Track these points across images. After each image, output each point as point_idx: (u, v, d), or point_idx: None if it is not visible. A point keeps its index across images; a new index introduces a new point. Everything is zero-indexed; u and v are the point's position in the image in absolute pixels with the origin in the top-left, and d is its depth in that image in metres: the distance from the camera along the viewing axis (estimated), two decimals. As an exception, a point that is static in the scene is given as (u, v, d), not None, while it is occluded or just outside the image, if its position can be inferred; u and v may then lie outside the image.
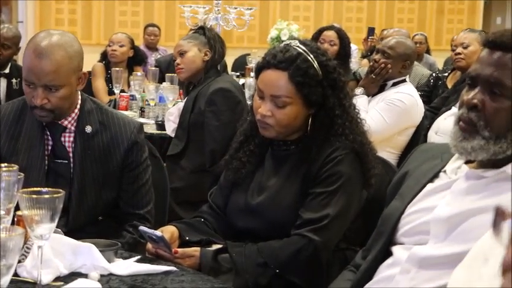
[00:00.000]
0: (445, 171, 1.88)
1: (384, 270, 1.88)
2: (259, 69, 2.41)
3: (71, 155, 2.51)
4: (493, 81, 1.71)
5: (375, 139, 3.82)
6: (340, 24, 8.89)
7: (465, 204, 1.76)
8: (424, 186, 1.89)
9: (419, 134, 4.23)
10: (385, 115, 4.02)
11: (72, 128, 2.51)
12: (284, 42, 2.46)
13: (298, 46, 2.37)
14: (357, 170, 2.37)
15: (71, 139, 2.51)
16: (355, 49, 8.67)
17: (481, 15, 13.53)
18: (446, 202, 1.80)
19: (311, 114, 2.39)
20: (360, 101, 4.12)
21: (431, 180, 1.89)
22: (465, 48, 5.05)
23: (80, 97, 2.53)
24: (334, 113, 2.37)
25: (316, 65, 2.34)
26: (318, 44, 5.53)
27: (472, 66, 1.80)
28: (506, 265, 0.82)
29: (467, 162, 1.84)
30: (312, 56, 2.35)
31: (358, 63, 7.54)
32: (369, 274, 1.92)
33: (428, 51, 8.93)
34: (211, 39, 4.24)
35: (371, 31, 7.86)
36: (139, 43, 8.51)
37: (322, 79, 2.35)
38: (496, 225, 0.85)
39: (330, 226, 2.29)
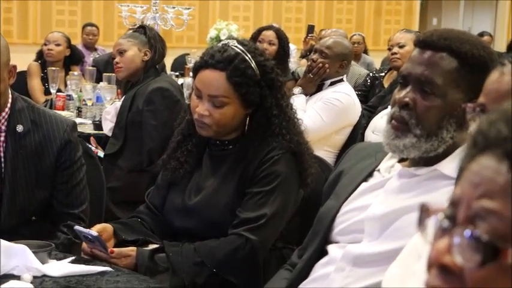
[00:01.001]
0: (378, 170, 1.90)
1: (320, 269, 1.89)
2: (197, 69, 2.40)
3: (2, 154, 2.46)
4: (424, 79, 1.74)
5: (312, 138, 3.86)
6: (280, 24, 8.93)
7: (398, 202, 1.78)
8: (359, 185, 1.91)
9: (357, 132, 4.27)
10: (323, 114, 4.05)
11: (3, 127, 2.46)
12: (222, 42, 2.45)
13: (236, 46, 2.37)
14: (294, 170, 2.38)
15: (2, 139, 2.46)
16: (294, 49, 8.72)
17: (417, 16, 13.77)
18: (380, 200, 1.82)
19: (248, 114, 2.40)
20: (298, 100, 4.15)
21: (365, 179, 1.91)
22: (401, 48, 5.12)
23: (10, 96, 2.49)
24: (271, 113, 2.38)
25: (254, 65, 2.35)
26: (257, 43, 5.58)
27: (403, 66, 1.83)
28: (430, 261, 0.83)
29: (400, 161, 1.87)
30: (249, 56, 2.36)
31: (297, 63, 7.58)
32: (305, 273, 1.93)
33: (366, 51, 9.03)
34: (151, 39, 4.22)
35: (310, 29, 7.91)
36: (78, 42, 8.41)
37: (260, 79, 2.36)
38: (421, 222, 0.87)
39: (267, 225, 2.30)
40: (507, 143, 0.79)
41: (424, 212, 0.87)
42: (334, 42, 4.26)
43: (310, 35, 7.69)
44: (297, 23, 12.70)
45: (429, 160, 1.78)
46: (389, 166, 1.89)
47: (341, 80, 4.24)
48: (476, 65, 1.74)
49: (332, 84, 4.21)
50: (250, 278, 2.30)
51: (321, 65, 4.14)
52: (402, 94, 1.77)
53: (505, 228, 0.77)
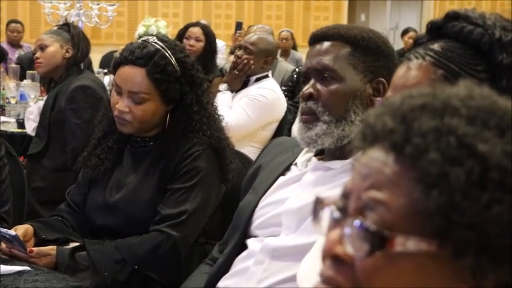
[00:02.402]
0: (295, 164, 1.94)
1: (239, 263, 1.91)
2: (117, 65, 2.40)
3: None
4: (321, 68, 1.82)
5: (238, 134, 3.90)
6: (209, 20, 8.94)
7: (314, 195, 1.81)
8: (277, 179, 1.94)
9: (283, 128, 4.31)
10: (248, 110, 4.08)
11: None
12: (142, 39, 2.46)
13: (156, 42, 2.38)
14: (215, 166, 2.40)
15: None
16: (223, 45, 8.73)
17: (345, 12, 13.95)
18: (296, 194, 1.85)
19: (169, 111, 2.41)
20: (224, 97, 4.17)
21: (283, 173, 1.94)
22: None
23: None
24: (192, 109, 2.39)
25: (174, 61, 2.36)
26: (184, 40, 5.57)
27: (303, 66, 1.91)
28: (324, 252, 0.86)
29: (316, 155, 1.91)
30: (169, 52, 2.37)
31: (226, 59, 7.59)
32: (226, 267, 1.94)
33: (295, 47, 9.10)
34: (75, 37, 4.18)
35: (239, 25, 7.94)
36: (3, 40, 8.25)
37: (180, 76, 2.37)
38: (316, 214, 0.89)
39: (189, 221, 2.31)
40: (393, 136, 0.82)
41: (318, 204, 0.90)
42: (259, 39, 4.29)
43: (238, 31, 7.71)
44: (226, 19, 12.72)
45: (344, 154, 1.82)
46: (306, 160, 1.92)
47: (266, 76, 4.27)
48: (368, 46, 1.83)
49: (257, 80, 4.24)
50: (173, 274, 2.30)
51: (245, 61, 4.16)
52: (305, 88, 1.84)
53: (392, 218, 0.80)
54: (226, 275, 1.93)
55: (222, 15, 12.87)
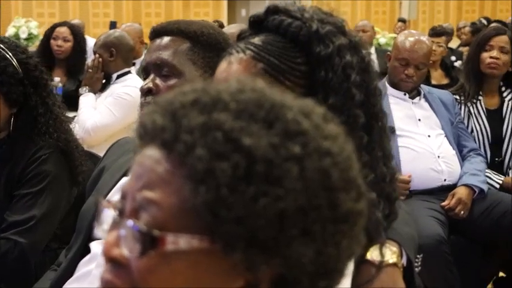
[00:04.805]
0: (138, 164, 1.91)
1: (83, 267, 1.87)
2: None
3: None
4: (160, 63, 1.81)
5: (105, 134, 3.85)
6: (87, 19, 8.80)
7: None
8: (119, 180, 1.91)
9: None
10: (114, 109, 4.05)
11: None
12: (-20, 40, 2.38)
13: (-6, 44, 2.30)
14: (63, 168, 2.35)
15: None
16: (99, 44, 8.58)
17: (225, 8, 14.02)
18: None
19: (13, 114, 2.33)
20: (86, 99, 4.13)
21: (125, 173, 1.91)
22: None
23: None
24: (37, 111, 2.33)
25: (15, 63, 2.29)
26: (52, 40, 5.44)
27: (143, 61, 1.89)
28: (103, 255, 0.84)
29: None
30: (10, 53, 2.30)
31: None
32: (69, 272, 1.89)
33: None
34: None
35: (112, 25, 7.86)
36: None
37: (22, 77, 2.31)
38: (98, 216, 0.88)
39: (37, 227, 2.25)
40: (163, 133, 0.81)
41: (100, 206, 0.88)
42: (100, 36, 4.36)
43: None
44: (105, 17, 12.56)
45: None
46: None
47: (128, 72, 4.25)
48: (208, 42, 1.83)
49: (119, 77, 4.22)
50: (22, 283, 2.23)
51: (93, 57, 4.18)
52: (145, 83, 1.83)
53: (163, 217, 0.79)
54: (70, 279, 1.88)
55: (100, 13, 12.69)
